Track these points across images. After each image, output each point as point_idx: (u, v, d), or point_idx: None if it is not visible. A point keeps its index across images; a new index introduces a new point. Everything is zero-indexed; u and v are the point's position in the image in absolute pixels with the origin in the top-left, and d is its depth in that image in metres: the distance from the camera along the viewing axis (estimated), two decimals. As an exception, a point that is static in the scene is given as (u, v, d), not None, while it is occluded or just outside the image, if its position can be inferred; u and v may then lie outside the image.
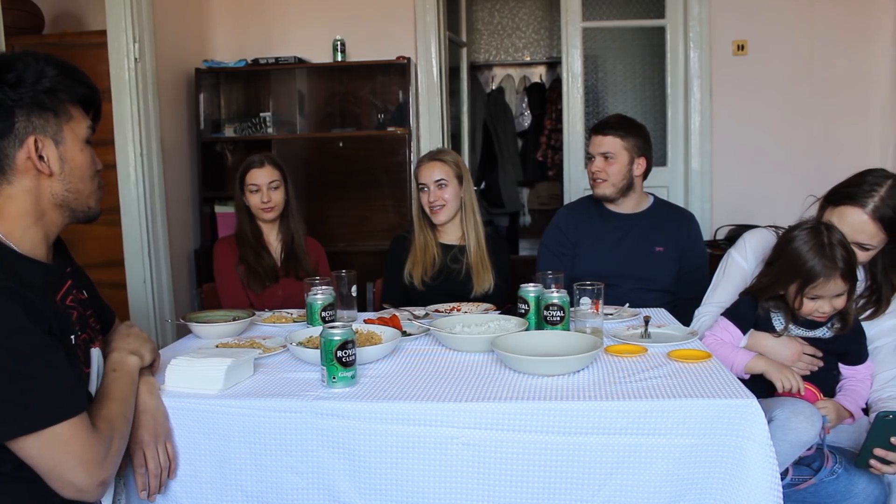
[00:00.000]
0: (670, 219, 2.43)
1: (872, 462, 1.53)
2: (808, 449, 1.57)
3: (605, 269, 2.30)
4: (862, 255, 1.73)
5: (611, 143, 2.33)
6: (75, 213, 1.29)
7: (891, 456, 1.51)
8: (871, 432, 1.52)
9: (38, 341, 1.12)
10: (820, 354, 1.71)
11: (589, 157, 2.41)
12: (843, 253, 1.61)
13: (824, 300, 1.63)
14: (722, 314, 1.80)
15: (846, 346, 1.73)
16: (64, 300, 1.28)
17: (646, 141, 2.39)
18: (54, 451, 1.12)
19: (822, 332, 1.72)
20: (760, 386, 1.64)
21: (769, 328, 1.74)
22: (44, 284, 1.23)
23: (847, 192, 1.73)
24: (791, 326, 1.72)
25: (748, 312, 1.75)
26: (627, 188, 2.37)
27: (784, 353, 1.69)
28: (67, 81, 1.25)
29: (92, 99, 1.31)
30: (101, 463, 1.16)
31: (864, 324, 1.79)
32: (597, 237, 2.41)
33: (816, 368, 1.71)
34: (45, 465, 1.12)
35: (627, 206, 2.42)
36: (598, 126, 2.39)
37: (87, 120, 1.30)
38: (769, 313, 1.74)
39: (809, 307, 1.65)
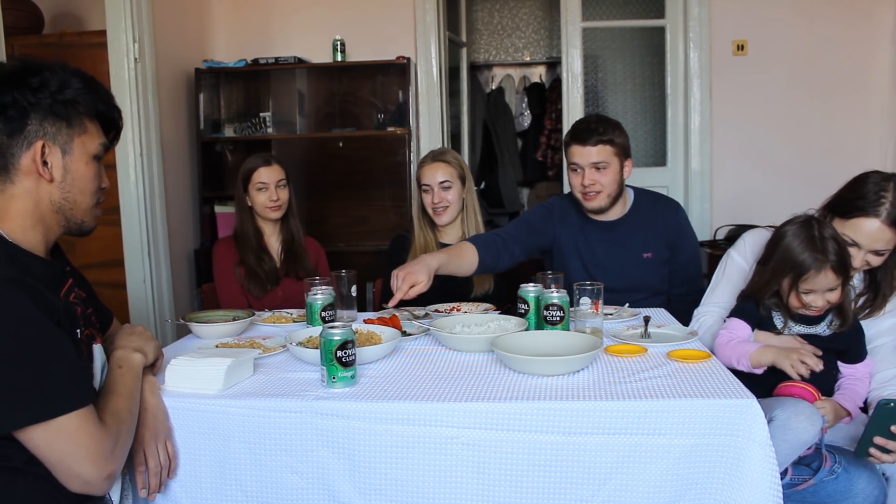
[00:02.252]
0: (655, 215, 2.30)
1: (872, 451, 1.52)
2: (808, 448, 1.57)
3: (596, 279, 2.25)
4: (876, 260, 1.73)
5: (600, 152, 2.15)
6: (69, 224, 1.30)
7: (891, 444, 1.50)
8: (871, 420, 1.52)
9: (47, 332, 1.13)
10: (820, 353, 1.70)
11: (572, 169, 2.21)
12: (835, 246, 1.62)
13: (816, 294, 1.64)
14: (730, 316, 1.79)
15: (846, 344, 1.73)
16: (67, 296, 1.29)
17: (627, 139, 2.25)
18: (63, 441, 1.13)
19: (822, 330, 1.72)
20: (760, 387, 1.64)
21: (771, 327, 1.74)
22: (49, 279, 1.24)
23: (856, 204, 1.71)
24: (790, 324, 1.72)
25: (753, 310, 1.76)
26: (619, 194, 2.24)
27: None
28: (89, 96, 1.28)
29: (112, 119, 1.34)
30: (109, 456, 1.17)
31: (863, 323, 1.79)
32: (582, 247, 2.29)
33: (818, 369, 1.70)
34: (54, 456, 1.13)
35: (614, 213, 2.28)
36: (580, 134, 2.18)
37: (101, 137, 1.32)
38: (770, 312, 1.75)
39: (802, 301, 1.66)
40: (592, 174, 2.17)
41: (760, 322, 1.75)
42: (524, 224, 2.31)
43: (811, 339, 1.72)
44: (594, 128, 2.17)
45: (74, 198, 1.28)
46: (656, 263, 2.28)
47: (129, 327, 1.48)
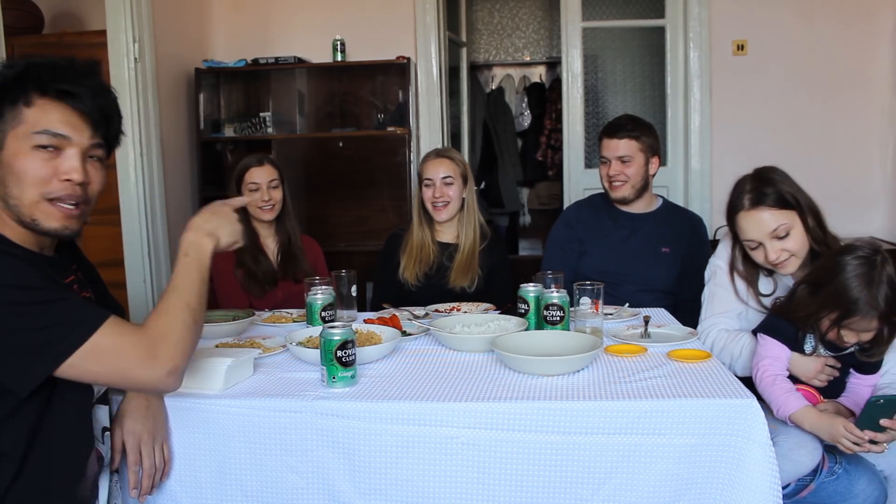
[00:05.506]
0: (679, 220, 2.44)
1: (860, 444, 1.52)
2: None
3: (611, 267, 2.32)
4: (781, 245, 1.73)
5: (626, 146, 2.32)
6: (22, 222, 1.20)
7: (879, 437, 1.50)
8: (861, 415, 1.51)
9: (43, 280, 1.13)
10: (839, 365, 1.68)
11: (602, 161, 2.39)
12: (889, 293, 1.52)
13: (853, 332, 1.58)
14: (762, 332, 1.70)
15: (866, 360, 1.69)
16: (70, 286, 1.28)
17: (656, 139, 2.39)
18: (108, 359, 1.12)
19: (849, 349, 1.67)
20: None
21: (799, 347, 1.68)
22: (51, 269, 1.23)
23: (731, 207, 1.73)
24: (821, 348, 1.67)
25: (792, 333, 1.67)
26: (644, 188, 2.38)
27: (809, 365, 1.66)
28: (39, 71, 1.17)
29: (76, 95, 1.19)
30: (158, 354, 1.15)
31: None
32: (604, 235, 2.41)
33: (832, 378, 1.69)
34: (113, 375, 1.14)
35: (639, 207, 2.42)
36: (611, 129, 2.37)
37: (42, 123, 1.17)
38: (804, 334, 1.68)
39: (836, 335, 1.60)
40: (618, 166, 2.34)
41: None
42: (555, 248, 2.47)
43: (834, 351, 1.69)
44: (623, 125, 2.36)
45: (12, 192, 1.18)
46: (673, 260, 2.37)
47: (212, 206, 1.37)
